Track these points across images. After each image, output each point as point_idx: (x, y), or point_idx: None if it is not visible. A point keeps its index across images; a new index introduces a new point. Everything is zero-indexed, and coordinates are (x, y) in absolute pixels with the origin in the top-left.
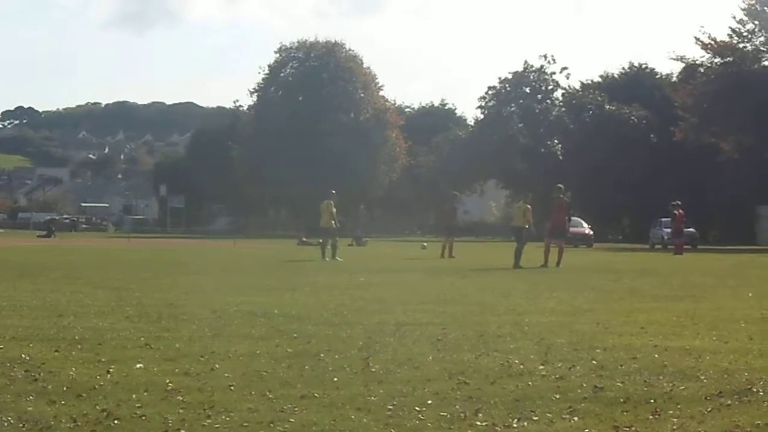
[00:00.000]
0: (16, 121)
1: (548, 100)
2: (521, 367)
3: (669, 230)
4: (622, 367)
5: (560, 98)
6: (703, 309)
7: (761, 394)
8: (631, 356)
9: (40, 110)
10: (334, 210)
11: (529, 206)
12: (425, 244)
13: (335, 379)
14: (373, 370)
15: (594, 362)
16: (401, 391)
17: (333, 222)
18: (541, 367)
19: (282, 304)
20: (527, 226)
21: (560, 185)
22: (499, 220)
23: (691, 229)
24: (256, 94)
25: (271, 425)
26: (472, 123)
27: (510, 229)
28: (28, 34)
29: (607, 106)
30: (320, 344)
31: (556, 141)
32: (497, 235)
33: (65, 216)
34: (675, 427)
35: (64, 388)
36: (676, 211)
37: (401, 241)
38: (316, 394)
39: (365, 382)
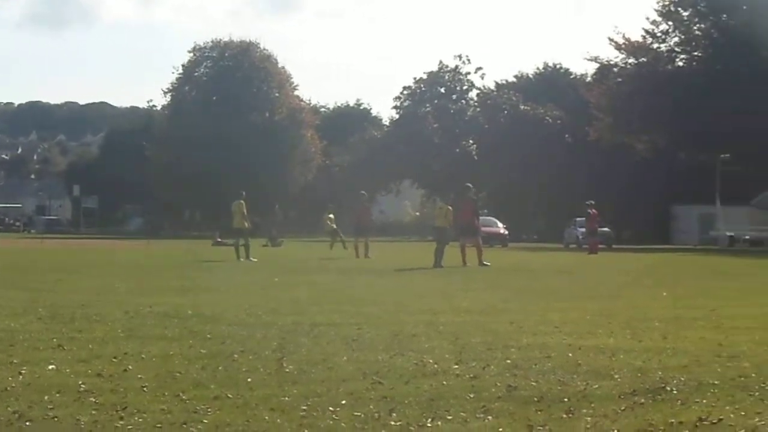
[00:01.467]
0: None
1: (463, 100)
2: (435, 366)
3: (584, 230)
4: (536, 366)
5: (475, 98)
6: (618, 308)
7: (675, 392)
8: (545, 355)
9: None
10: (246, 210)
11: (450, 207)
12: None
13: (249, 379)
14: (287, 370)
15: (508, 361)
16: (315, 391)
17: (245, 222)
18: (456, 366)
19: (196, 305)
20: (449, 227)
21: (469, 185)
22: (415, 220)
23: (606, 229)
24: (170, 93)
25: (184, 426)
26: (387, 123)
27: (433, 229)
28: None
29: (522, 106)
30: (234, 345)
31: (471, 141)
32: (413, 235)
33: None
34: (589, 426)
35: None
36: (590, 211)
37: (317, 241)
38: (229, 395)
39: (279, 382)
